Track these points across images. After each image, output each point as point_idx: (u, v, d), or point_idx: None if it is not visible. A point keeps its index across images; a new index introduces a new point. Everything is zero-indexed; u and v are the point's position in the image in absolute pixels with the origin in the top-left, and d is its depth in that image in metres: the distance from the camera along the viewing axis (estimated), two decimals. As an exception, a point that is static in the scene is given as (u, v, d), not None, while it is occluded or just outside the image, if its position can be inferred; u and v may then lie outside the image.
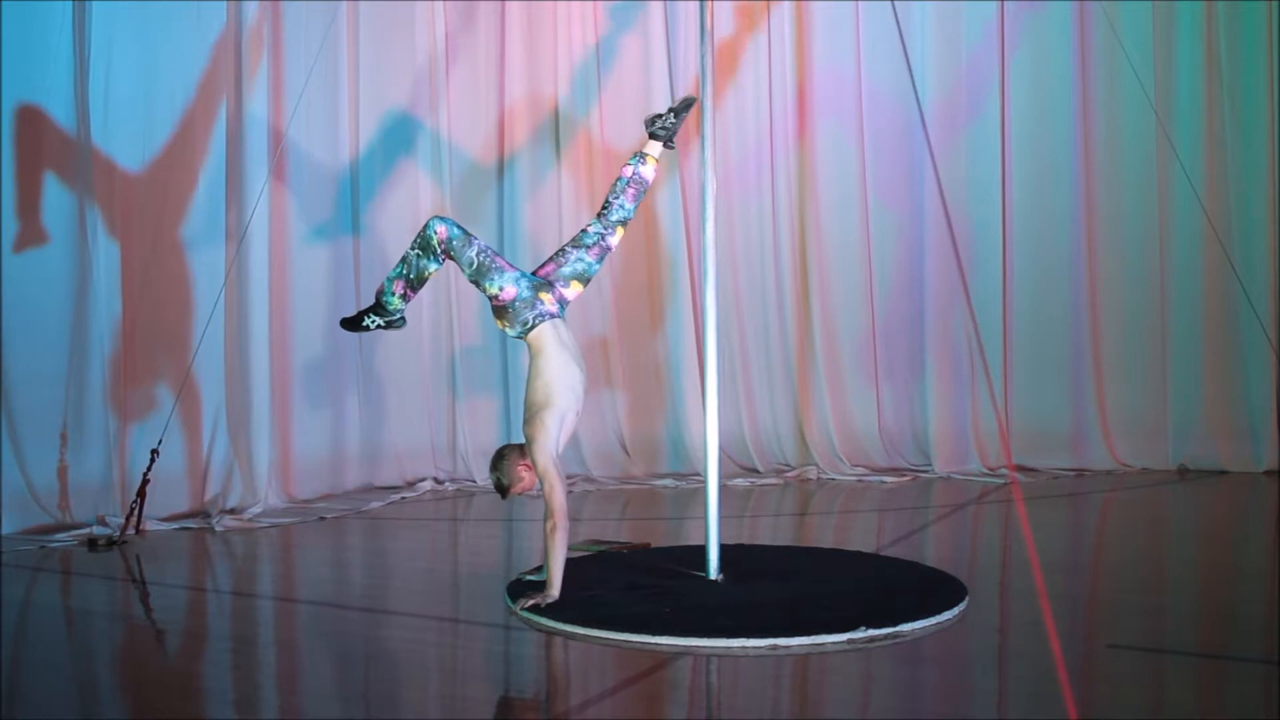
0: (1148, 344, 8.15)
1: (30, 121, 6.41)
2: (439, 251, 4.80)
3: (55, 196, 6.48)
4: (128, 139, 6.76)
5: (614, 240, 4.98)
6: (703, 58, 5.16)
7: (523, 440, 4.72)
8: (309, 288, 7.64)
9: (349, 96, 7.89)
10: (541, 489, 4.61)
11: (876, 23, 8.15)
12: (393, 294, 4.91)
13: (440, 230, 4.78)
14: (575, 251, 4.94)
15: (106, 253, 6.64)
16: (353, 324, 5.06)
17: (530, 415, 4.67)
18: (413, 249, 4.84)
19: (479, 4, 8.41)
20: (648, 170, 5.03)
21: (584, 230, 4.99)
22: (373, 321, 4.99)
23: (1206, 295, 8.04)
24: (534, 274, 4.89)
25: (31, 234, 6.39)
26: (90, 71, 6.55)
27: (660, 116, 5.12)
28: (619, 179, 5.00)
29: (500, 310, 4.79)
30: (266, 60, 7.25)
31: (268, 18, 7.27)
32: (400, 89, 8.21)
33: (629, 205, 4.97)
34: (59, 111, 6.49)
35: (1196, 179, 7.52)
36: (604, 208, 4.99)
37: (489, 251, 4.81)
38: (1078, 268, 8.22)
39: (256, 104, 7.18)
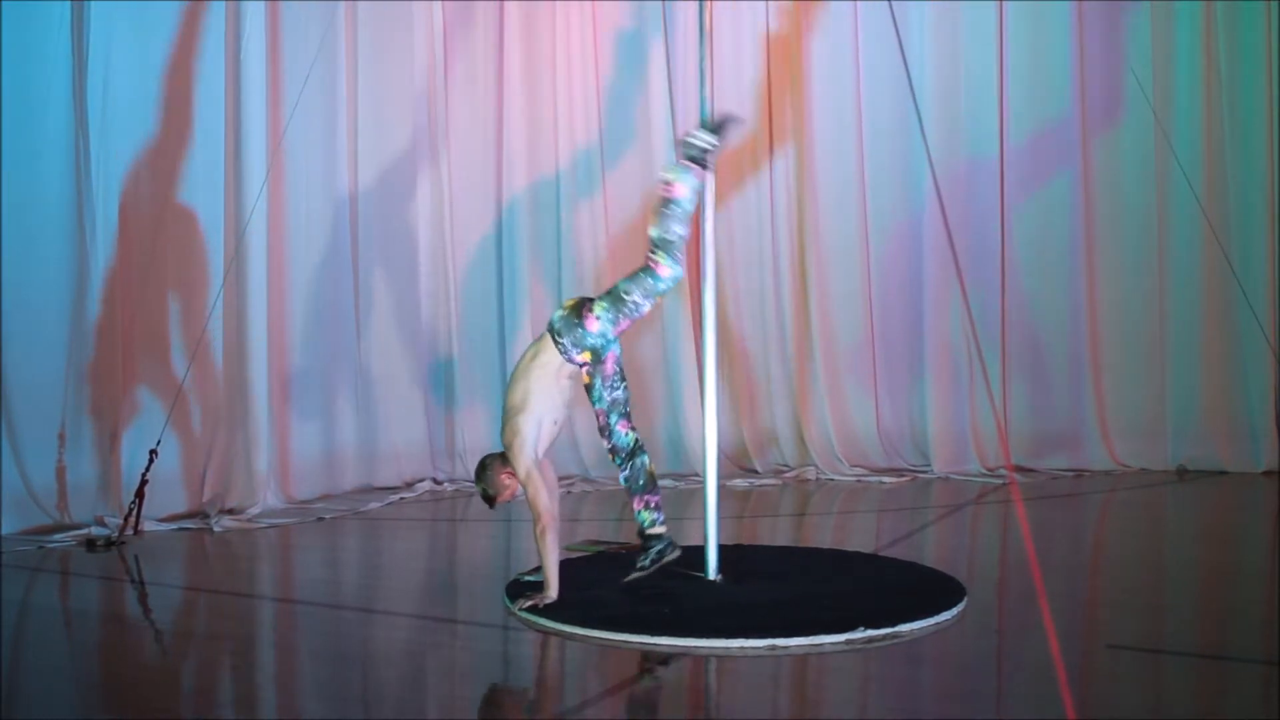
0: (1146, 344, 8.16)
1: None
2: (638, 442, 4.86)
3: (54, 197, 6.47)
4: (126, 140, 6.75)
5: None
6: (701, 59, 5.15)
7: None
8: (307, 289, 7.64)
9: (347, 95, 7.88)
10: (526, 494, 4.63)
11: (875, 23, 8.15)
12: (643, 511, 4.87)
13: (630, 438, 4.82)
14: (619, 389, 4.87)
15: (105, 254, 6.63)
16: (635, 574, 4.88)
17: (506, 420, 4.67)
18: (624, 463, 4.86)
19: (477, 4, 8.41)
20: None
21: (626, 402, 4.92)
22: (645, 559, 4.86)
23: (1205, 295, 8.04)
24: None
25: None
26: (89, 71, 6.54)
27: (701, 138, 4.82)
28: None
29: (580, 341, 4.68)
30: (265, 60, 7.24)
31: (267, 18, 7.26)
32: (399, 87, 8.20)
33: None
34: (58, 112, 6.47)
35: (1195, 180, 7.52)
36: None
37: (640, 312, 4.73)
38: (1076, 268, 8.22)
39: (255, 104, 7.16)
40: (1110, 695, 3.66)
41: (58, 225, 6.48)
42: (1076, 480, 7.82)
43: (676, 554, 4.86)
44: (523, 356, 4.80)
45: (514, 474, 4.66)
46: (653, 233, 4.72)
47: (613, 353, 4.81)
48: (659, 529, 4.87)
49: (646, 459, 4.91)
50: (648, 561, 4.83)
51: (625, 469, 4.88)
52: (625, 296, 4.71)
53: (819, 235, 8.38)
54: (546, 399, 4.68)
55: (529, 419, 4.63)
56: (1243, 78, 7.99)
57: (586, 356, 4.72)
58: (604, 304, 4.72)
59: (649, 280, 4.72)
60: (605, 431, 4.90)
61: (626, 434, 4.88)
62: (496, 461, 4.75)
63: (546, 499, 4.57)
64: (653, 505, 4.86)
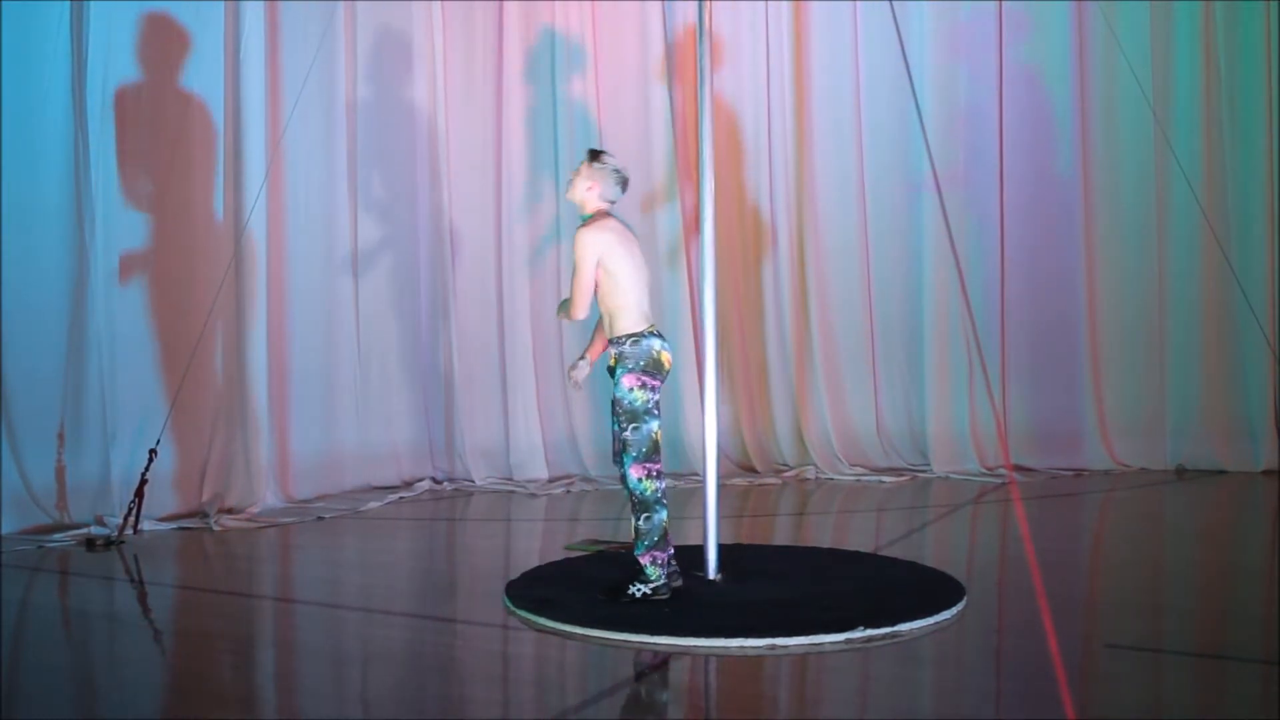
0: (1146, 344, 8.16)
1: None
2: (655, 495, 4.70)
3: (54, 197, 6.47)
4: (125, 140, 6.74)
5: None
6: (701, 58, 5.15)
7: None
8: (307, 287, 7.64)
9: (346, 95, 7.87)
10: (573, 282, 4.72)
11: (875, 23, 8.15)
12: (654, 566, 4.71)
13: (645, 486, 4.69)
14: (619, 428, 4.76)
15: (105, 253, 6.62)
16: (615, 593, 4.73)
17: (597, 236, 4.72)
18: (638, 518, 4.71)
19: (477, 4, 8.41)
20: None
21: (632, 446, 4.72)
22: (638, 590, 4.70)
23: (1204, 295, 8.04)
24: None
25: None
26: (89, 71, 6.54)
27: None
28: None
29: (620, 353, 4.71)
30: (265, 60, 7.24)
31: (266, 18, 7.25)
32: (398, 87, 8.20)
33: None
34: (58, 112, 6.47)
35: (1195, 179, 7.52)
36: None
37: (651, 418, 4.71)
38: (1076, 267, 8.22)
39: (254, 104, 7.16)
40: (1110, 695, 3.66)
41: (58, 225, 6.47)
42: (1076, 480, 7.83)
43: (666, 595, 4.68)
44: (645, 274, 4.84)
45: (592, 190, 4.78)
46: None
47: (615, 393, 4.72)
48: (661, 581, 4.69)
49: (665, 516, 4.71)
50: (639, 594, 4.67)
51: (638, 519, 4.68)
52: (625, 425, 4.69)
53: (819, 235, 8.38)
54: (625, 269, 4.72)
55: (608, 253, 4.69)
56: (1242, 77, 8.00)
57: (611, 360, 4.74)
58: (628, 399, 4.67)
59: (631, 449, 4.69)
60: (616, 459, 4.77)
61: (639, 481, 4.68)
62: (596, 176, 4.80)
63: (587, 297, 4.71)
64: (660, 562, 4.69)
